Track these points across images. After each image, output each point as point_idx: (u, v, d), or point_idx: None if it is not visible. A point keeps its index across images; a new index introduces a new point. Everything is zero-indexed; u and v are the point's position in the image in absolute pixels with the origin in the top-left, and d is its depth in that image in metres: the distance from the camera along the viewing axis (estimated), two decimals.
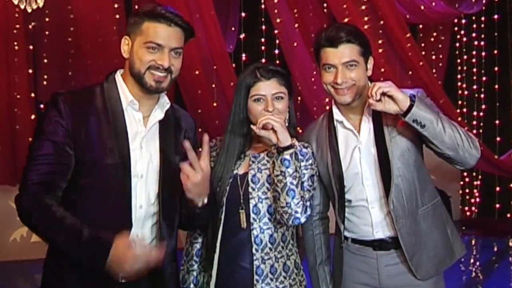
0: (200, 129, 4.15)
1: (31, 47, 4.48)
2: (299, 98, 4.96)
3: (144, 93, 1.84)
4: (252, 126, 1.95)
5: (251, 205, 1.98)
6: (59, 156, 1.73)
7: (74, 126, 1.76)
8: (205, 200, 1.79)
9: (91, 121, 1.79)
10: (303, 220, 1.91)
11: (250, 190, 1.99)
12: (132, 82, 1.85)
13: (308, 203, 1.95)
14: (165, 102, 1.93)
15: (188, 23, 1.87)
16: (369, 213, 2.00)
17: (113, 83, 1.88)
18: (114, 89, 1.87)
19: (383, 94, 1.83)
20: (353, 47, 1.95)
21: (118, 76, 1.89)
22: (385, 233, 2.00)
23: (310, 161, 2.03)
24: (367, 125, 2.02)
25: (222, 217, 2.00)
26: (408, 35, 4.69)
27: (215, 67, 4.25)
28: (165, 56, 1.79)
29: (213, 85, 4.26)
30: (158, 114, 1.90)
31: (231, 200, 2.01)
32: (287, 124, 2.03)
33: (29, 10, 3.82)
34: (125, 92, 1.86)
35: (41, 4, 3.83)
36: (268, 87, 2.02)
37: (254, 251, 1.94)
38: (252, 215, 1.98)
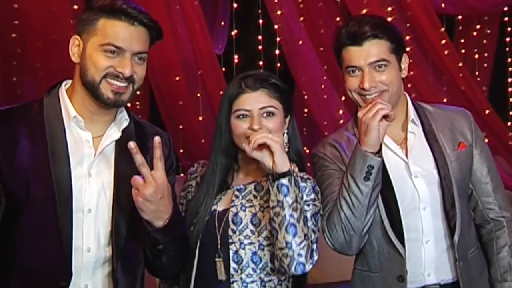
0: (182, 150, 4.52)
1: None
2: (305, 110, 5.18)
3: (99, 107, 1.94)
4: (243, 145, 2.03)
5: (231, 252, 2.06)
6: None
7: (1, 152, 1.85)
8: (166, 221, 1.86)
9: (23, 144, 1.87)
10: (308, 267, 1.97)
11: (230, 232, 2.08)
12: (82, 94, 1.93)
13: (314, 246, 2.01)
14: (122, 118, 2.02)
15: (155, 21, 1.98)
16: (423, 249, 2.20)
17: (55, 98, 1.96)
18: (55, 104, 1.95)
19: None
20: (381, 43, 2.12)
21: (62, 88, 1.98)
22: (438, 276, 2.20)
23: (312, 196, 2.12)
24: (415, 143, 2.24)
25: (195, 263, 2.09)
26: (442, 29, 4.97)
27: (200, 72, 4.47)
28: (126, 61, 1.88)
29: (198, 95, 4.49)
30: (113, 133, 2.00)
31: (206, 244, 2.10)
32: (286, 149, 2.14)
33: None
34: (68, 106, 1.94)
35: None
36: (254, 100, 2.11)
37: None
38: (233, 265, 2.05)
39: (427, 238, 2.19)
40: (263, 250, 2.08)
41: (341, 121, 4.59)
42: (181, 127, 4.48)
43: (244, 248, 2.07)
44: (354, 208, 2.07)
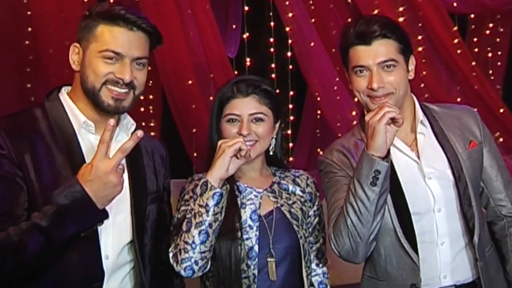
0: (195, 154, 4.52)
1: None
2: (318, 112, 5.20)
3: (101, 114, 1.98)
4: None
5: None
6: (10, 190, 1.84)
7: (18, 155, 1.86)
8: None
9: (38, 148, 1.89)
10: None
11: (295, 227, 2.28)
12: (84, 101, 1.97)
13: None
14: (129, 123, 2.07)
15: (154, 26, 2.01)
16: (438, 251, 2.21)
17: (57, 102, 1.99)
18: (60, 109, 1.98)
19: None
20: (390, 43, 2.16)
21: (63, 94, 2.01)
22: (454, 278, 2.21)
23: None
24: (426, 144, 2.25)
25: (256, 272, 2.22)
26: (454, 28, 4.95)
27: (212, 75, 4.47)
28: (126, 67, 1.93)
29: (211, 98, 4.41)
30: (122, 138, 2.03)
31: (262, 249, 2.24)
32: (271, 153, 2.31)
33: None
34: (75, 112, 1.97)
35: None
36: (244, 106, 2.23)
37: None
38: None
39: (442, 240, 2.19)
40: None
41: (354, 122, 4.52)
42: (194, 130, 4.47)
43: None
44: (361, 214, 2.06)
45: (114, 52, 1.91)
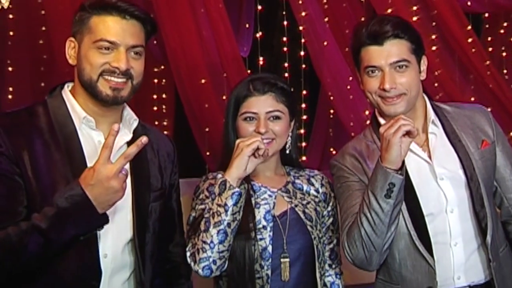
0: (208, 153, 4.53)
1: None
2: (331, 111, 5.20)
3: (100, 107, 1.96)
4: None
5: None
6: (9, 187, 1.83)
7: (16, 152, 1.84)
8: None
9: (36, 145, 1.87)
10: None
11: (309, 228, 2.27)
12: (84, 95, 1.95)
13: None
14: (131, 118, 2.04)
15: (148, 14, 2.00)
16: (451, 252, 2.18)
17: (59, 98, 1.98)
18: (61, 106, 1.96)
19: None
20: (402, 43, 2.13)
21: (65, 90, 1.99)
22: (468, 279, 2.18)
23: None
24: (438, 144, 2.22)
25: (269, 272, 2.21)
26: (469, 27, 4.93)
27: (225, 74, 4.49)
28: (121, 56, 1.90)
29: (224, 97, 4.46)
30: (125, 134, 2.02)
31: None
32: (288, 152, 2.32)
33: None
34: (76, 108, 1.95)
35: (6, 5, 4.09)
36: (261, 104, 2.23)
37: None
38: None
39: (455, 241, 2.16)
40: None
41: (368, 122, 4.51)
42: (207, 129, 4.48)
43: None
44: (375, 225, 2.06)
45: (108, 41, 1.89)
